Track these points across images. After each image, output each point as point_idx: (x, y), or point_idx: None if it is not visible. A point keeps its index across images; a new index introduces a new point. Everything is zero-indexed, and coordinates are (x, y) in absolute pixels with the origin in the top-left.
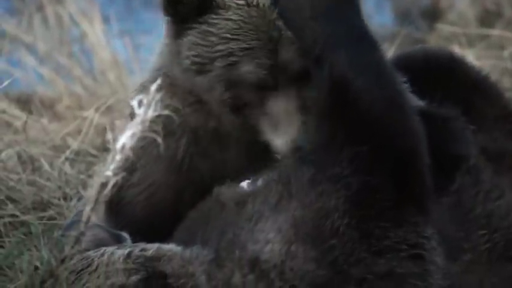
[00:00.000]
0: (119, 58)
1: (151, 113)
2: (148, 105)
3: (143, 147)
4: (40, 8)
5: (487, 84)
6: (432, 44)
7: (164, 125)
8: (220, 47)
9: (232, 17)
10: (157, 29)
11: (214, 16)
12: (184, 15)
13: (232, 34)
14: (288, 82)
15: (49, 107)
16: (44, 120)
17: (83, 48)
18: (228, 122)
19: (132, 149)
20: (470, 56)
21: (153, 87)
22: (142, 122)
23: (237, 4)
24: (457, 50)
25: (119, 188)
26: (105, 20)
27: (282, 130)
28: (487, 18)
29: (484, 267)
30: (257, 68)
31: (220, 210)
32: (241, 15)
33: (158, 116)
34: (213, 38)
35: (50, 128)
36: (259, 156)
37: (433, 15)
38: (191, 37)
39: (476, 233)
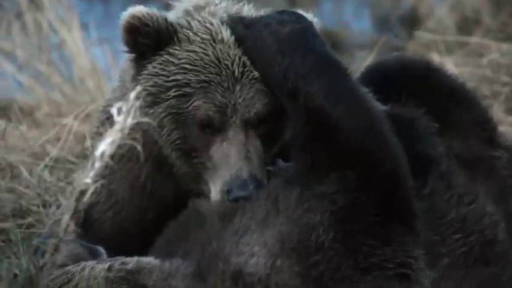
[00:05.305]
0: (98, 65)
1: (130, 121)
2: (128, 113)
3: (107, 167)
4: (19, 15)
5: (463, 91)
6: (411, 51)
7: (128, 152)
8: (178, 77)
9: (196, 49)
10: None
11: (177, 47)
12: (144, 49)
13: (192, 65)
14: (236, 126)
15: (28, 114)
16: (23, 128)
17: (62, 55)
18: (178, 166)
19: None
20: (449, 64)
21: (132, 94)
22: (122, 129)
23: (202, 38)
24: (435, 57)
25: (89, 205)
26: (84, 27)
27: (218, 176)
28: (466, 26)
29: (460, 271)
30: (208, 103)
31: (201, 223)
32: (205, 49)
33: (137, 123)
34: (173, 68)
35: (29, 136)
36: None
37: (412, 22)
38: (151, 68)
39: (452, 237)
